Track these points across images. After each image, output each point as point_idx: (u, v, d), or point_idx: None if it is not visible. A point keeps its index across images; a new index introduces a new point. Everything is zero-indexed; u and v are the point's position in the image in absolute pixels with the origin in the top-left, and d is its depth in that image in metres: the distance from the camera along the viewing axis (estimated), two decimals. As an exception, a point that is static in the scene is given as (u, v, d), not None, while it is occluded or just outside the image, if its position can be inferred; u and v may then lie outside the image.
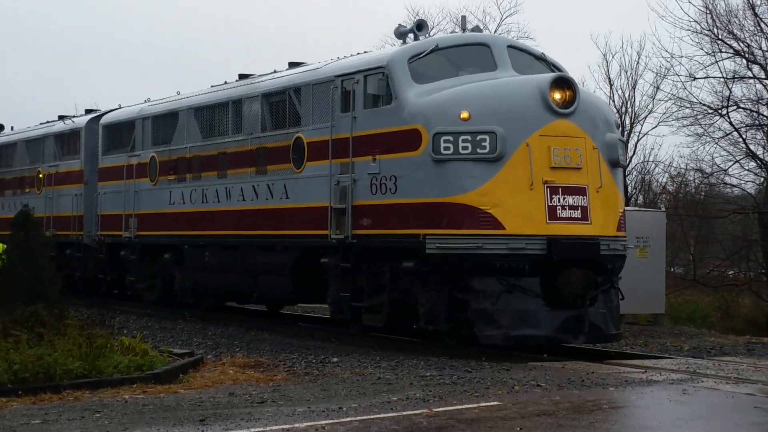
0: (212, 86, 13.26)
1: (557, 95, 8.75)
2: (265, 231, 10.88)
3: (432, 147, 8.72)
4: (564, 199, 8.63)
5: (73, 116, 16.22)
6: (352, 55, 10.65)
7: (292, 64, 12.01)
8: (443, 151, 8.72)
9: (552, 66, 10.22)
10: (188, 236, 12.58)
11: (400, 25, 10.40)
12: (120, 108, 15.24)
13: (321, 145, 9.98)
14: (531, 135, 8.64)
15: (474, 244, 8.50)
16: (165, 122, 13.40)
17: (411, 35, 10.19)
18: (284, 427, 5.12)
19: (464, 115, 8.72)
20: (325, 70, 10.48)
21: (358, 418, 5.44)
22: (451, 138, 8.70)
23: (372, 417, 5.48)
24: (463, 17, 10.82)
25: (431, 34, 12.43)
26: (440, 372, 7.94)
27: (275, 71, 12.06)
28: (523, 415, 5.56)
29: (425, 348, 9.79)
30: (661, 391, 6.88)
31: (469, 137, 8.67)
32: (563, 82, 8.94)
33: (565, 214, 8.65)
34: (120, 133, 14.55)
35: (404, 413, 5.59)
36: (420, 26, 10.08)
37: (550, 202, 8.57)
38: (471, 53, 9.73)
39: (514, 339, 8.57)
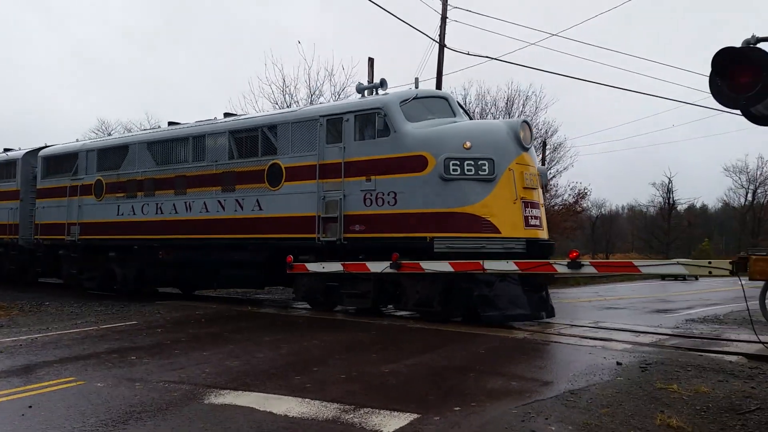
0: (168, 125, 17.18)
1: (523, 134, 11.32)
2: (233, 235, 13.72)
3: (443, 168, 10.91)
4: (531, 210, 11.30)
5: (12, 149, 21.81)
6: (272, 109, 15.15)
7: (228, 114, 15.88)
8: (452, 172, 10.93)
9: (469, 114, 14.59)
10: (140, 239, 15.85)
11: (359, 82, 13.69)
12: (56, 145, 20.10)
13: (303, 169, 12.60)
14: (510, 163, 11.08)
15: (478, 244, 10.78)
16: (112, 153, 17.01)
17: (367, 91, 13.09)
18: (14, 339, 10.08)
19: (467, 144, 11.00)
20: (307, 111, 13.19)
21: (57, 333, 10.60)
22: (458, 162, 10.92)
23: (65, 331, 10.64)
24: (416, 78, 13.34)
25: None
26: (107, 308, 13.80)
27: (216, 118, 15.70)
28: (148, 327, 11.26)
29: (106, 297, 16.35)
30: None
31: (472, 162, 10.93)
32: (527, 125, 11.72)
33: (533, 222, 11.32)
34: (59, 162, 18.72)
35: (83, 329, 10.90)
36: (383, 83, 12.85)
37: (525, 213, 11.13)
38: (436, 103, 12.46)
39: (508, 318, 10.84)
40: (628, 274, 9.11)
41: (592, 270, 9.34)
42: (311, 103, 26.58)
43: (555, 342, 9.58)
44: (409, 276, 11.26)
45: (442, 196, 10.94)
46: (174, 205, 15.04)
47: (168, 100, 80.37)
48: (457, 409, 5.70)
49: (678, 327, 12.45)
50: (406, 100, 11.95)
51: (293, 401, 5.98)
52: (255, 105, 28.60)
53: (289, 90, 27.60)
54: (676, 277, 33.75)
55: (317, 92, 27.75)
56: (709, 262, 8.16)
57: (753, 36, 5.65)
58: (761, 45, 5.52)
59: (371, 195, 11.65)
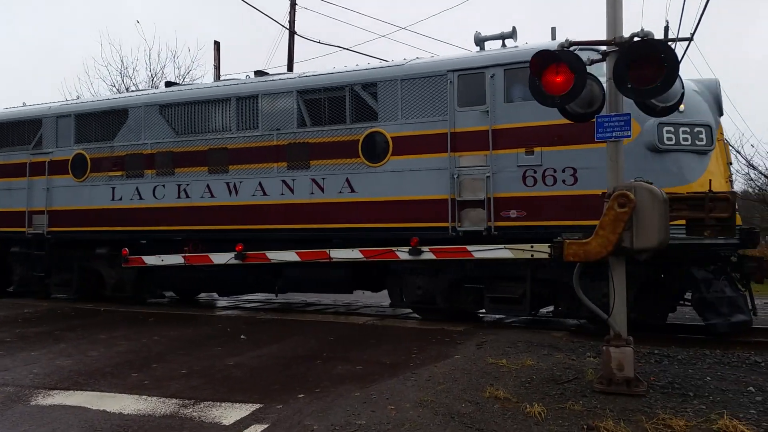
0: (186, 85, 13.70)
1: (721, 98, 9.42)
2: (310, 225, 10.80)
3: (655, 136, 8.70)
4: None
5: None
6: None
7: (260, 72, 12.74)
8: (666, 142, 8.73)
9: None
10: (151, 231, 12.31)
11: (477, 31, 10.59)
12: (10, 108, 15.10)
13: (424, 139, 10.05)
14: (717, 132, 9.15)
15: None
16: (100, 119, 13.24)
17: (493, 42, 10.42)
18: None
19: (681, 107, 8.35)
20: (426, 64, 10.37)
21: None
22: (672, 129, 8.77)
23: None
24: (553, 28, 10.44)
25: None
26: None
27: (248, 76, 12.54)
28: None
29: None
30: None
31: (687, 129, 8.85)
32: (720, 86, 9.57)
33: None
34: (11, 131, 14.42)
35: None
36: (513, 32, 10.28)
37: None
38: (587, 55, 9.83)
39: (733, 326, 8.54)
40: (462, 259, 9.38)
41: (431, 256, 9.70)
42: (154, 86, 25.33)
43: (402, 326, 9.99)
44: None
45: (652, 171, 8.32)
46: (208, 186, 11.77)
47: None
48: (301, 396, 5.82)
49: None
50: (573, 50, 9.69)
51: (129, 399, 5.80)
52: (90, 88, 26.75)
53: (128, 72, 26.15)
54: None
55: (160, 74, 26.59)
56: (532, 246, 8.95)
57: (566, 40, 6.28)
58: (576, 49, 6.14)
59: (535, 172, 9.31)
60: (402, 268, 10.39)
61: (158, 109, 12.50)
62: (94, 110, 13.35)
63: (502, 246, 9.26)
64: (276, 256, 10.93)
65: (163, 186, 12.29)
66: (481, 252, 9.39)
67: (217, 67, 21.61)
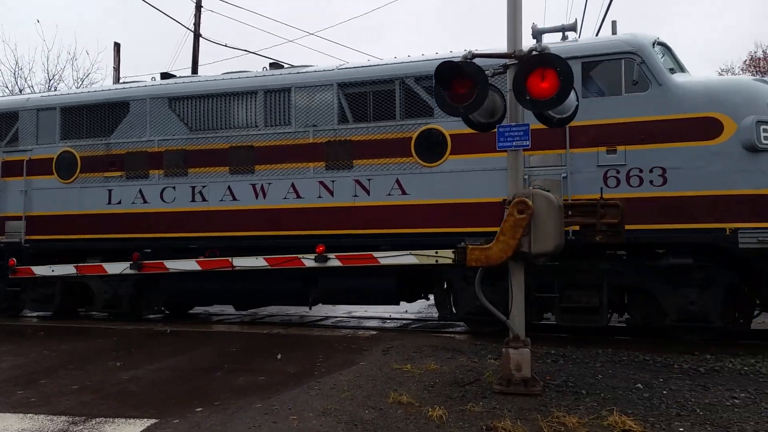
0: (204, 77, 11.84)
1: None
2: (353, 230, 9.89)
3: (754, 135, 8.21)
4: None
5: None
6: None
7: (275, 65, 11.82)
8: (763, 141, 8.29)
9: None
10: (159, 239, 11.09)
11: (534, 23, 9.55)
12: None
13: (485, 137, 8.78)
14: None
15: None
16: (93, 113, 11.80)
17: (551, 35, 9.38)
18: None
19: None
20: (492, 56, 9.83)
21: None
22: (767, 127, 8.32)
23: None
24: (614, 22, 9.94)
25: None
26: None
27: (265, 68, 11.62)
28: None
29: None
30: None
31: None
32: None
33: None
34: None
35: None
36: (575, 26, 9.18)
37: None
38: (665, 52, 9.42)
39: None
40: (369, 266, 9.32)
41: (337, 263, 9.62)
42: (51, 89, 23.94)
43: (308, 335, 9.92)
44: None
45: (749, 172, 8.22)
46: (230, 188, 10.73)
47: None
48: (200, 410, 5.64)
49: (421, 312, 13.67)
50: (652, 43, 9.07)
51: (13, 418, 5.44)
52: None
53: (23, 73, 24.71)
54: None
55: (57, 77, 25.27)
56: (436, 252, 9.11)
57: (469, 51, 6.47)
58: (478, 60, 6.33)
59: (618, 172, 8.77)
60: (453, 276, 9.67)
61: (167, 102, 11.30)
62: (85, 102, 11.94)
63: (407, 252, 9.35)
64: (174, 266, 10.44)
65: (174, 188, 11.12)
66: (387, 258, 9.46)
67: (117, 69, 20.79)
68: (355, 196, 10.02)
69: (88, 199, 11.63)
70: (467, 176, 9.43)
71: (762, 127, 8.27)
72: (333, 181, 10.17)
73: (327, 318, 12.05)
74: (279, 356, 8.02)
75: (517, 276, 6.09)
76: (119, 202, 11.46)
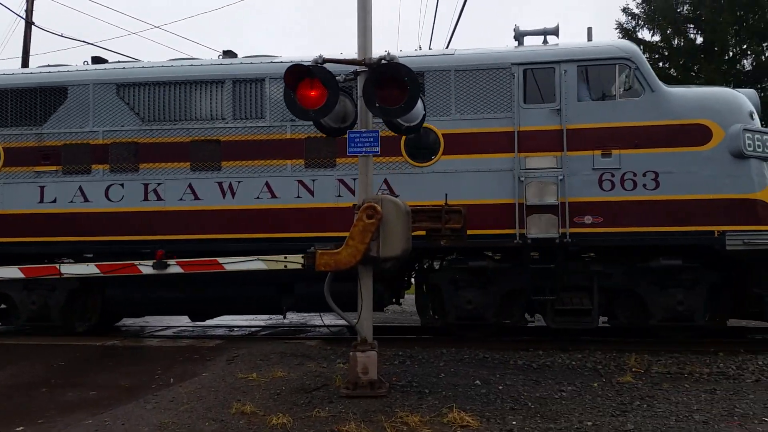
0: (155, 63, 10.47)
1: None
2: (334, 233, 8.62)
3: (740, 142, 8.64)
4: None
5: None
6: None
7: (228, 53, 10.50)
8: (748, 148, 8.71)
9: None
10: (104, 243, 9.73)
11: (516, 25, 9.86)
12: None
13: (482, 137, 9.14)
14: None
15: None
16: (22, 99, 10.28)
17: (530, 38, 9.77)
18: None
19: (752, 114, 9.11)
20: (488, 55, 9.40)
21: None
22: (750, 135, 8.79)
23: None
24: (589, 29, 10.09)
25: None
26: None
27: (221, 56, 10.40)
28: None
29: None
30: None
31: (759, 135, 8.91)
32: None
33: None
34: None
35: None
36: (557, 30, 9.66)
37: None
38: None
39: None
40: (214, 272, 8.96)
41: (178, 270, 9.16)
42: None
43: (148, 346, 9.38)
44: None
45: (735, 177, 8.73)
46: (191, 186, 9.72)
47: None
48: (20, 429, 5.14)
49: (271, 318, 13.44)
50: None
51: None
52: None
53: None
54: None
55: None
56: (285, 257, 8.99)
57: (320, 56, 6.47)
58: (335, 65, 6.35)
59: (613, 175, 8.94)
60: (440, 281, 9.56)
61: (115, 89, 10.13)
62: (10, 86, 10.42)
63: (255, 258, 9.14)
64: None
65: (122, 185, 9.99)
66: (233, 264, 9.17)
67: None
68: (339, 196, 9.52)
69: (14, 196, 10.24)
70: (461, 177, 9.29)
71: (747, 134, 8.79)
72: (314, 180, 9.62)
73: (167, 328, 11.48)
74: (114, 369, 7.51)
75: (366, 280, 6.18)
76: (54, 201, 10.14)
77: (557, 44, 9.64)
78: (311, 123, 9.66)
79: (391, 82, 6.03)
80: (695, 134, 8.85)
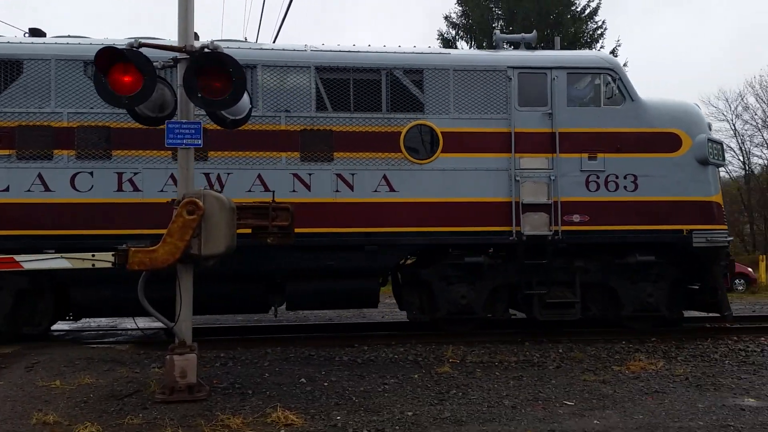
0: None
1: None
2: (337, 228, 8.95)
3: (705, 150, 9.70)
4: None
5: None
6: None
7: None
8: (709, 156, 9.75)
9: None
10: (71, 237, 8.43)
11: (496, 32, 11.16)
12: None
13: (480, 137, 9.53)
14: None
15: (725, 237, 9.89)
16: None
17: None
18: None
19: (710, 125, 10.42)
20: (484, 57, 10.05)
21: None
22: (711, 144, 9.81)
23: None
24: (556, 39, 11.73)
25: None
26: None
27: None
28: None
29: None
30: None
31: (716, 145, 10.02)
32: None
33: None
34: None
35: None
36: (533, 40, 10.64)
37: None
38: None
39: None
40: (12, 270, 7.94)
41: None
42: None
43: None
44: None
45: (699, 182, 9.80)
46: (174, 177, 8.60)
47: None
48: None
49: (75, 322, 12.34)
50: None
51: None
52: None
53: None
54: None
55: None
56: (93, 255, 8.27)
57: (136, 40, 6.08)
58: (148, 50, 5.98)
59: (598, 177, 9.61)
60: (430, 277, 9.61)
61: (82, 66, 8.93)
62: None
63: (59, 255, 8.32)
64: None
65: (91, 174, 8.91)
66: (33, 263, 8.26)
67: None
68: (337, 191, 9.28)
69: None
70: (460, 175, 9.46)
71: (710, 143, 9.87)
72: (310, 174, 9.29)
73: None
74: None
75: (185, 280, 5.92)
76: (6, 189, 8.82)
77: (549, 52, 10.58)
78: (308, 115, 9.64)
79: (214, 73, 5.83)
80: (668, 142, 9.86)
